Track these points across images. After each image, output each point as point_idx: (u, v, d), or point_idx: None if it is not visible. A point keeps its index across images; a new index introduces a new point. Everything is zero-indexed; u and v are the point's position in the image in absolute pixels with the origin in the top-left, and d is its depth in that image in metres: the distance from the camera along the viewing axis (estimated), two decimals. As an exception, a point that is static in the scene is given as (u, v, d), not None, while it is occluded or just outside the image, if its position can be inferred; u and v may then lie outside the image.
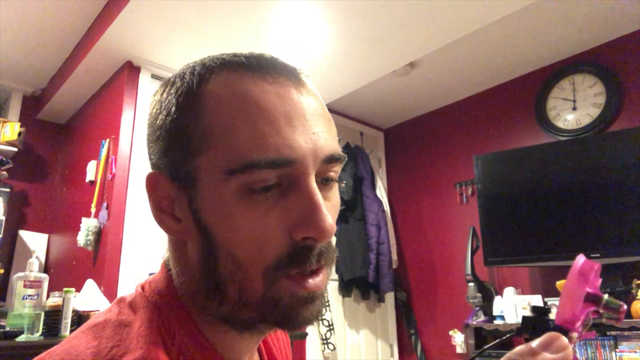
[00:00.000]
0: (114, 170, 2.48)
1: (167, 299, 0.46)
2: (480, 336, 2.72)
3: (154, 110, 0.48)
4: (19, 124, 2.93)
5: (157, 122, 0.46)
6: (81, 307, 1.85)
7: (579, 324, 0.45)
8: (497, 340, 0.56)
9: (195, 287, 0.45)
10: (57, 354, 0.41)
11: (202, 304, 0.45)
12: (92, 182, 2.66)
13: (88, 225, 2.46)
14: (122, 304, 0.46)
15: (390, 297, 3.69)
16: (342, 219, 3.37)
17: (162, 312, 0.44)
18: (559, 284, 2.23)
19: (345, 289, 3.35)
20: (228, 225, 0.42)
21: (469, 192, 3.36)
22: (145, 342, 0.40)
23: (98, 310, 1.87)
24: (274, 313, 0.43)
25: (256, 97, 0.43)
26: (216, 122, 0.43)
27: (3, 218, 2.75)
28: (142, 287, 0.48)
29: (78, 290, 1.94)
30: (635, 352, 2.17)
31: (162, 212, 0.47)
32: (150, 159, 0.49)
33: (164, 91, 0.48)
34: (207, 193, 0.43)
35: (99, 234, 2.46)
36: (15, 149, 2.88)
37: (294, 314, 0.43)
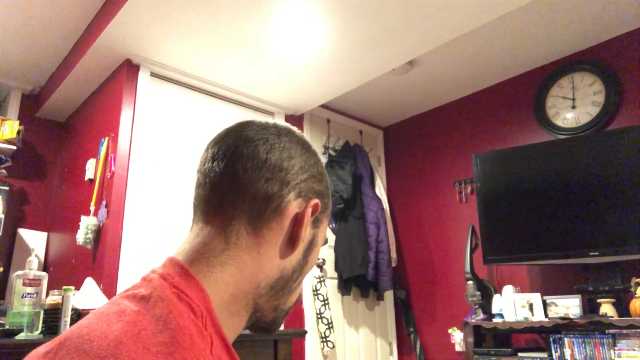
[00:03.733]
0: (113, 169, 2.48)
1: (203, 303, 0.49)
2: (479, 334, 2.73)
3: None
4: (18, 122, 2.92)
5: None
6: (80, 305, 1.85)
7: None
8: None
9: (269, 284, 0.57)
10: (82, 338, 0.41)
11: (256, 302, 0.56)
12: (91, 180, 2.66)
13: (87, 224, 2.45)
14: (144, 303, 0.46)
15: (389, 295, 3.69)
16: (341, 217, 3.37)
17: (196, 313, 0.47)
18: None
19: (345, 287, 3.35)
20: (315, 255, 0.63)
21: (468, 190, 3.36)
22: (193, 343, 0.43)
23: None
24: (281, 320, 0.60)
25: None
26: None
27: (2, 216, 2.75)
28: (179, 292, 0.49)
29: (77, 288, 1.94)
30: (634, 350, 2.17)
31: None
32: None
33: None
34: (320, 234, 0.63)
35: (98, 232, 2.46)
36: (14, 147, 2.88)
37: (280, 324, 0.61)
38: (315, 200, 0.59)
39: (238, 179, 0.55)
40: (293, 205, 0.57)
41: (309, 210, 0.58)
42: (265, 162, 0.56)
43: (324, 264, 3.32)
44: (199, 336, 0.43)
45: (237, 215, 0.55)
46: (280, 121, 0.64)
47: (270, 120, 0.63)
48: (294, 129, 0.63)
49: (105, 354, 0.38)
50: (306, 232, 0.58)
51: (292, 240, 0.57)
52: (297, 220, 0.57)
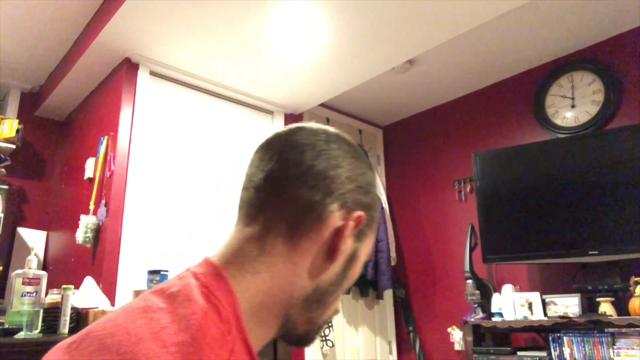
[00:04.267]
0: (112, 167, 2.47)
1: (231, 311, 0.47)
2: (478, 333, 2.73)
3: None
4: (17, 120, 2.92)
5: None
6: (80, 304, 1.85)
7: None
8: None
9: (304, 295, 0.55)
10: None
11: (286, 307, 0.54)
12: (91, 179, 2.65)
13: (86, 223, 2.45)
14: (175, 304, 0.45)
15: (388, 294, 3.69)
16: (340, 216, 3.37)
17: (223, 317, 0.45)
18: None
19: (344, 286, 3.35)
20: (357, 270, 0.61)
21: (468, 189, 3.36)
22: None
23: (97, 308, 1.87)
24: (315, 335, 0.58)
25: None
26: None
27: (1, 215, 2.75)
28: (207, 295, 0.47)
29: (77, 287, 1.94)
30: (633, 349, 2.18)
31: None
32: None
33: None
34: (364, 248, 0.61)
35: (98, 231, 2.46)
36: (14, 146, 2.87)
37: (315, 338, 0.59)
38: (359, 213, 0.56)
39: (280, 185, 0.54)
40: (335, 216, 0.54)
41: (351, 223, 0.55)
42: (310, 169, 0.54)
43: (323, 262, 3.32)
44: (220, 340, 0.43)
45: (276, 222, 0.54)
46: (332, 128, 0.61)
47: (322, 126, 0.60)
48: (346, 136, 0.61)
49: (124, 350, 0.38)
50: (347, 245, 0.56)
51: (330, 253, 0.55)
52: (338, 232, 0.54)
